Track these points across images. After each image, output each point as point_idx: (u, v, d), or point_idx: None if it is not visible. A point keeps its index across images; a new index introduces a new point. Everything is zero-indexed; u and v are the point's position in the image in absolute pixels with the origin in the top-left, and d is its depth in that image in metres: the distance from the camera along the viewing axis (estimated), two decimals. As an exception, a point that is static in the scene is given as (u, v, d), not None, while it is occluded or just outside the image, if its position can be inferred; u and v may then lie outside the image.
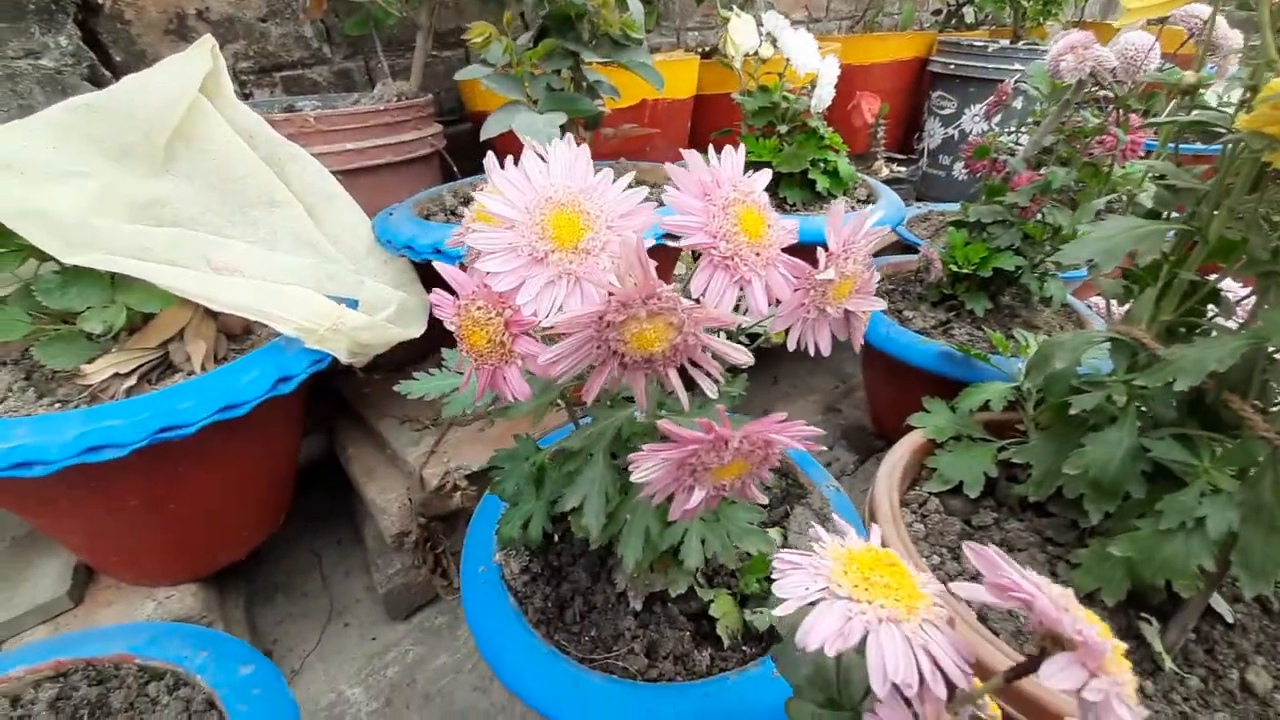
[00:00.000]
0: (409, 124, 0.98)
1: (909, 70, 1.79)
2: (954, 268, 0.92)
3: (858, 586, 0.29)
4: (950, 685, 0.27)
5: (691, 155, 0.35)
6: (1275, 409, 0.51)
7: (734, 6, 1.19)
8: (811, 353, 0.43)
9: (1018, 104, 1.56)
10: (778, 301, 0.38)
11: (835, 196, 1.02)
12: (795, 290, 0.39)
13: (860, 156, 1.61)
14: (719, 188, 0.35)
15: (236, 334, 0.76)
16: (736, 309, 0.37)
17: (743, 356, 0.35)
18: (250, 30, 1.09)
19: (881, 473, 0.74)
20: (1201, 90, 0.81)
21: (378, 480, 0.92)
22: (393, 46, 1.23)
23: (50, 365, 0.63)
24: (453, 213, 0.93)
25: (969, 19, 2.09)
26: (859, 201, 1.06)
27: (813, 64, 0.94)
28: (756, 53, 0.99)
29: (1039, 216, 0.92)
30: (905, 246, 1.30)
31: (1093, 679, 0.23)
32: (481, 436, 0.92)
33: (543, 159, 0.36)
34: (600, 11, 0.74)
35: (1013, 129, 1.08)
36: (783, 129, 1.00)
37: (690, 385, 0.37)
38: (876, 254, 1.41)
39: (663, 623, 0.58)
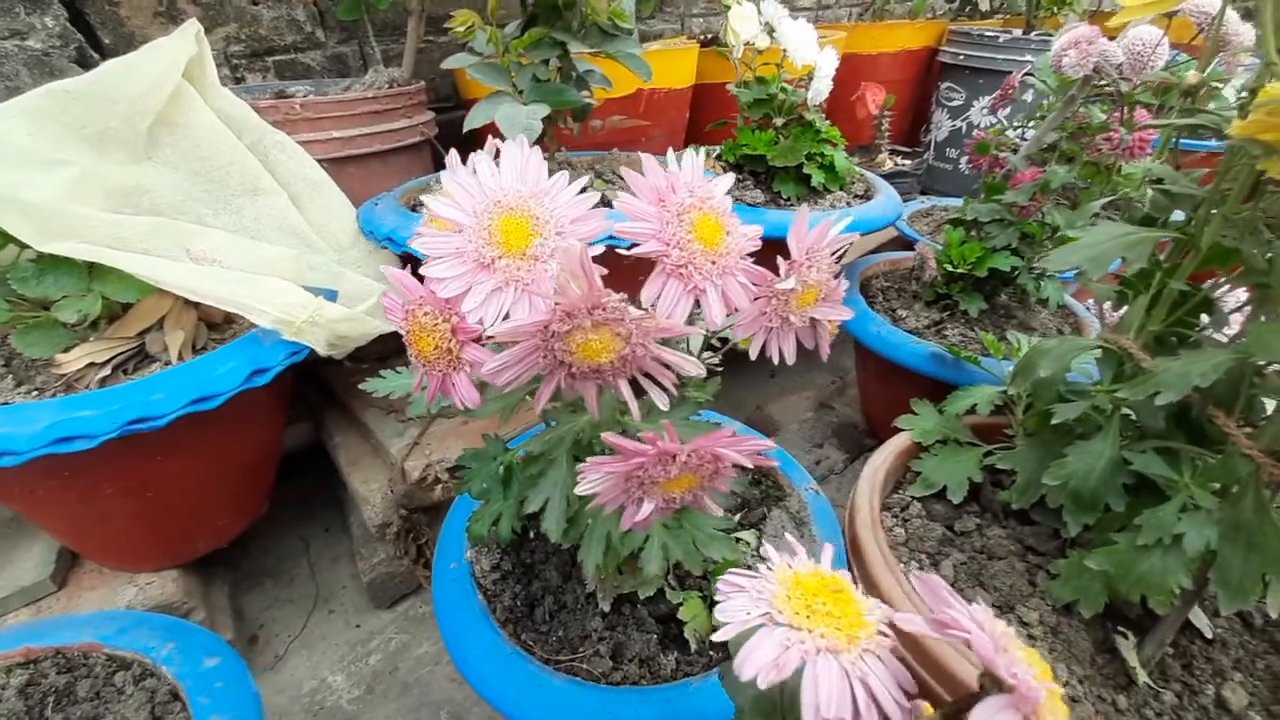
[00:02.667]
0: (398, 112, 0.97)
1: (917, 60, 1.74)
2: (949, 267, 0.91)
3: (799, 614, 0.28)
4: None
5: (648, 159, 0.34)
6: (1260, 425, 0.50)
7: (734, -7, 1.16)
8: (776, 361, 0.42)
9: (1028, 96, 1.53)
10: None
11: (831, 191, 1.00)
12: (756, 299, 0.38)
13: (864, 148, 1.59)
14: (674, 193, 0.34)
15: (217, 323, 0.75)
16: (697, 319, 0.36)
17: (694, 369, 0.34)
18: (241, 13, 1.07)
19: (864, 475, 0.73)
20: (1218, 85, 0.77)
21: (362, 470, 0.92)
22: (387, 31, 1.21)
23: (27, 353, 0.63)
24: (440, 202, 0.92)
25: (983, 6, 2.04)
26: (856, 196, 1.04)
27: (810, 56, 0.91)
28: (753, 43, 0.97)
29: (1039, 216, 0.90)
30: (905, 242, 1.28)
31: (1025, 725, 0.22)
32: (465, 430, 0.92)
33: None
34: (590, 1, 0.72)
35: (1018, 124, 1.06)
36: (779, 121, 0.98)
37: (643, 393, 0.36)
38: (875, 250, 1.39)
39: (630, 625, 0.58)
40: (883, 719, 0.26)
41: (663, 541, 0.47)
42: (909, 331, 0.93)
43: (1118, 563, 0.53)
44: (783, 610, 0.28)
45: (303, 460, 1.15)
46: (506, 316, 0.33)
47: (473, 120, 0.71)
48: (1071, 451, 0.58)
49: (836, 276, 0.40)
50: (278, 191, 0.80)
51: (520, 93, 0.75)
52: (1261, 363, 0.49)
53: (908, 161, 1.53)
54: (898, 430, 0.77)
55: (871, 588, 0.58)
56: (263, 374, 0.65)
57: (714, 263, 0.34)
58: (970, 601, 0.63)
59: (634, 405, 0.35)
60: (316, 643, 0.95)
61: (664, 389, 0.35)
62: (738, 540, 0.65)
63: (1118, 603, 0.57)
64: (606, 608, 0.58)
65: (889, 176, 1.50)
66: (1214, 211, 0.52)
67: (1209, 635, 0.59)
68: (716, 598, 0.30)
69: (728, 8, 1.09)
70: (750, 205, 0.97)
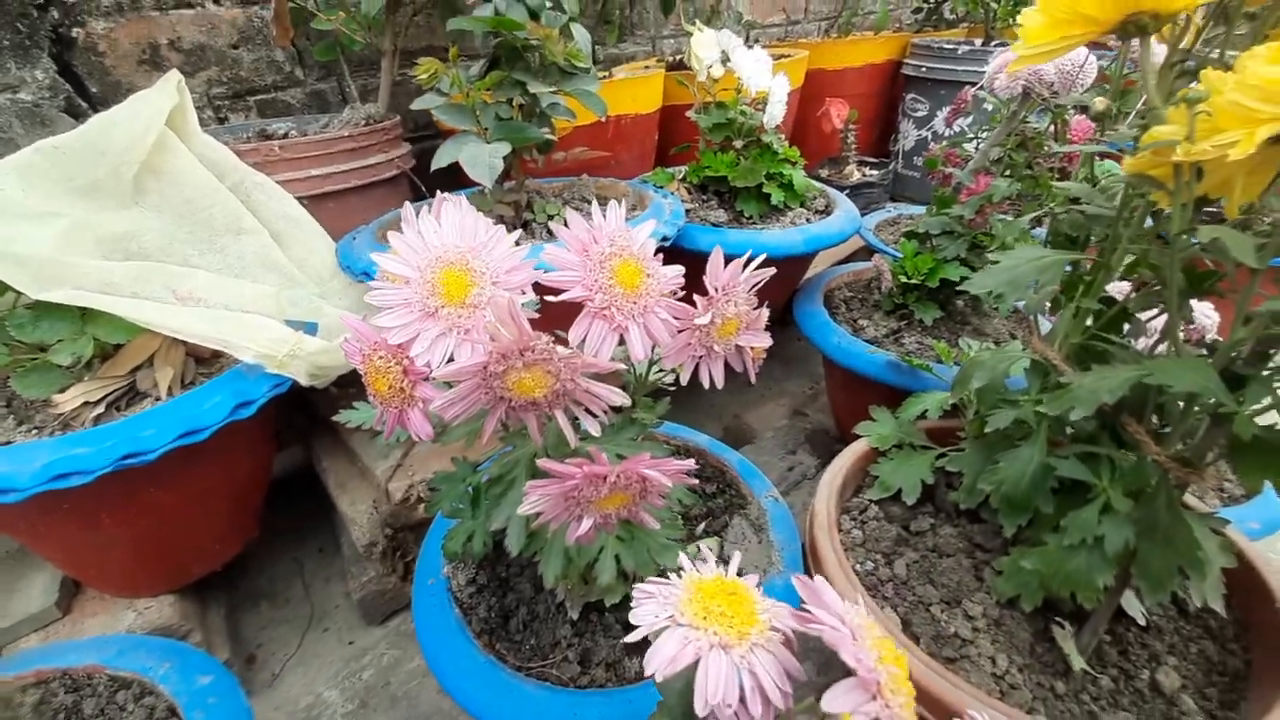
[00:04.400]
0: (374, 147, 1.01)
1: (883, 73, 1.80)
2: (903, 278, 0.95)
3: (697, 615, 0.32)
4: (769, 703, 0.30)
5: (573, 216, 0.38)
6: (1167, 430, 0.54)
7: (696, 20, 1.21)
8: (706, 385, 0.46)
9: (990, 105, 1.58)
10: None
11: (791, 208, 1.05)
12: (681, 332, 0.42)
13: (834, 160, 1.64)
14: (596, 244, 0.38)
15: (205, 358, 0.79)
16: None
17: (619, 399, 0.38)
18: (222, 57, 1.12)
19: (824, 481, 0.76)
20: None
21: (349, 492, 0.96)
22: (364, 67, 1.26)
23: (26, 395, 0.67)
24: (417, 233, 0.96)
25: (948, 16, 2.09)
26: (816, 212, 1.09)
27: (763, 83, 0.96)
28: (710, 70, 1.02)
29: (987, 227, 0.94)
30: (872, 251, 1.32)
31: (869, 703, 0.26)
32: (446, 451, 0.95)
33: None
34: (545, 44, 0.77)
35: (972, 135, 1.10)
36: (739, 144, 1.03)
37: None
38: (846, 259, 1.43)
39: (598, 631, 0.62)
40: (766, 703, 0.30)
41: (616, 552, 0.51)
42: (869, 340, 0.97)
43: (1048, 562, 0.57)
44: (684, 613, 0.32)
45: (296, 484, 1.18)
46: (451, 359, 0.37)
47: (439, 160, 0.75)
48: (1003, 458, 0.62)
49: (757, 307, 0.44)
50: (259, 230, 0.85)
51: (486, 130, 0.80)
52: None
53: (875, 172, 1.58)
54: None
55: (828, 586, 0.62)
56: (247, 406, 0.68)
57: (635, 303, 0.38)
58: (921, 597, 0.67)
59: (570, 433, 0.39)
60: (311, 660, 0.98)
61: (597, 417, 0.39)
62: (698, 548, 0.69)
63: (1054, 596, 0.60)
64: (575, 616, 0.62)
65: (858, 186, 1.55)
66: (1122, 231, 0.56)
67: (1143, 622, 0.63)
68: (632, 605, 0.34)
69: (691, 34, 1.14)
70: (714, 225, 1.01)
